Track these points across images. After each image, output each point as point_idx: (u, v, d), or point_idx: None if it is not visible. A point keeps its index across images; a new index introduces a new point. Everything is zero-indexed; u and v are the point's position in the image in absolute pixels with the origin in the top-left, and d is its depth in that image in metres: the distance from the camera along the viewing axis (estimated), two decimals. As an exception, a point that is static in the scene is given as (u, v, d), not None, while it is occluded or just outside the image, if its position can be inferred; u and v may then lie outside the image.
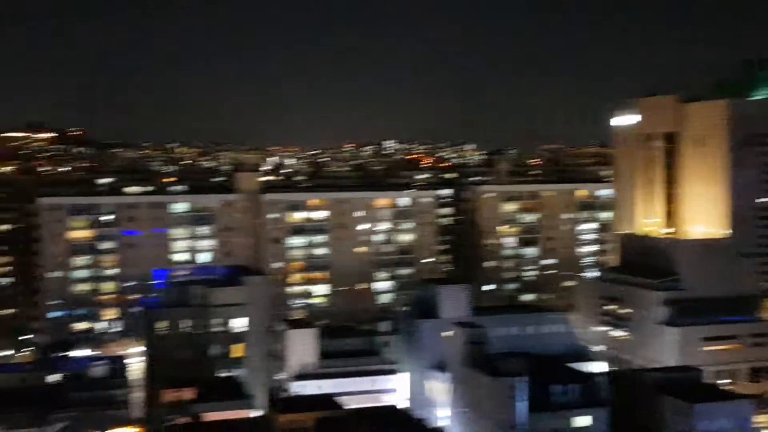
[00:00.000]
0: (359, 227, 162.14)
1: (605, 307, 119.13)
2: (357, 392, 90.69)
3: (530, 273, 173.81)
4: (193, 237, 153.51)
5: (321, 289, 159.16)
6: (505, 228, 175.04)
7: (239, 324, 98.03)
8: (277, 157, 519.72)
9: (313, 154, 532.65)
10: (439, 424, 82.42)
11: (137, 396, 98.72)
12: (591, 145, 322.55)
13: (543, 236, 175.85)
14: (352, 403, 77.84)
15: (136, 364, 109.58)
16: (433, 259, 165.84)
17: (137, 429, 71.24)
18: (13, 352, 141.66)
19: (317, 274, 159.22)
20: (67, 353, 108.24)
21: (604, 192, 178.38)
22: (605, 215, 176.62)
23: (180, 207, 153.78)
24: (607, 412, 72.57)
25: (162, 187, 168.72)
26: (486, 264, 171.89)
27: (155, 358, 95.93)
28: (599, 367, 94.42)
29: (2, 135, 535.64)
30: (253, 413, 76.94)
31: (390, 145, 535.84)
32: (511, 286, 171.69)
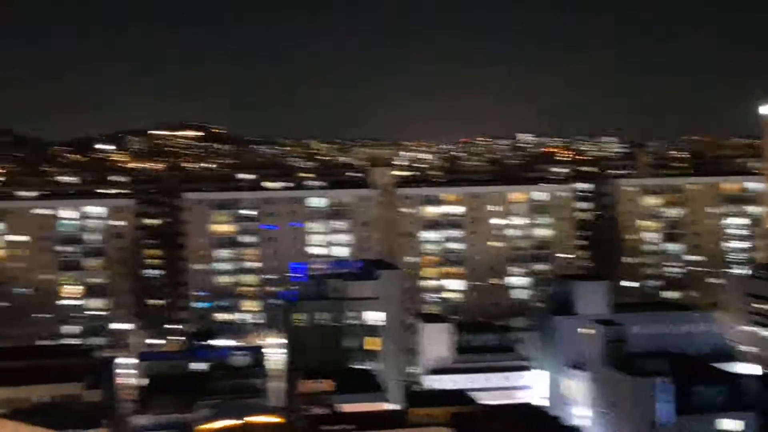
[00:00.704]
0: (494, 222, 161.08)
1: (755, 306, 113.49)
2: (491, 388, 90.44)
3: (673, 269, 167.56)
4: (330, 231, 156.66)
5: (455, 284, 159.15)
6: (646, 223, 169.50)
7: (374, 317, 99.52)
8: (411, 152, 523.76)
9: (447, 149, 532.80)
10: (577, 423, 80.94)
11: (276, 386, 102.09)
12: (739, 135, 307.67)
13: (687, 231, 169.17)
14: (485, 399, 77.66)
15: (274, 354, 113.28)
16: (571, 255, 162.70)
17: (276, 418, 73.57)
18: (163, 340, 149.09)
19: (451, 269, 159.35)
20: (210, 342, 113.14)
21: (754, 185, 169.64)
22: (755, 209, 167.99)
23: (317, 202, 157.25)
24: (756, 416, 69.16)
25: (300, 183, 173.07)
26: (626, 260, 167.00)
27: (293, 350, 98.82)
28: (748, 368, 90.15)
29: (151, 133, 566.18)
30: (388, 406, 78.02)
31: (526, 138, 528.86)
32: (653, 283, 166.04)
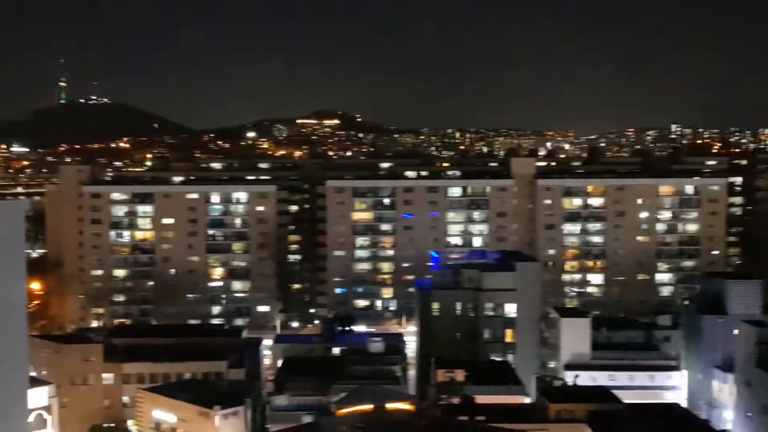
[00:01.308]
0: (639, 215, 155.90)
1: None
2: (633, 387, 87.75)
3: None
4: (467, 221, 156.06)
5: (596, 278, 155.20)
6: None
7: (511, 309, 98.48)
8: (552, 143, 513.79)
9: (591, 139, 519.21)
10: (724, 427, 77.41)
11: (410, 373, 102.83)
12: None
13: None
14: (627, 398, 75.40)
15: (409, 342, 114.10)
16: (721, 252, 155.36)
17: (411, 405, 74.07)
18: (301, 324, 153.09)
19: (592, 263, 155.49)
20: (348, 328, 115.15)
21: None
22: None
23: (455, 191, 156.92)
24: None
25: (438, 172, 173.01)
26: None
27: (428, 338, 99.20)
28: None
29: (296, 122, 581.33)
30: (524, 399, 77.09)
31: (676, 129, 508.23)
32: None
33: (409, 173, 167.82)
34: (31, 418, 70.80)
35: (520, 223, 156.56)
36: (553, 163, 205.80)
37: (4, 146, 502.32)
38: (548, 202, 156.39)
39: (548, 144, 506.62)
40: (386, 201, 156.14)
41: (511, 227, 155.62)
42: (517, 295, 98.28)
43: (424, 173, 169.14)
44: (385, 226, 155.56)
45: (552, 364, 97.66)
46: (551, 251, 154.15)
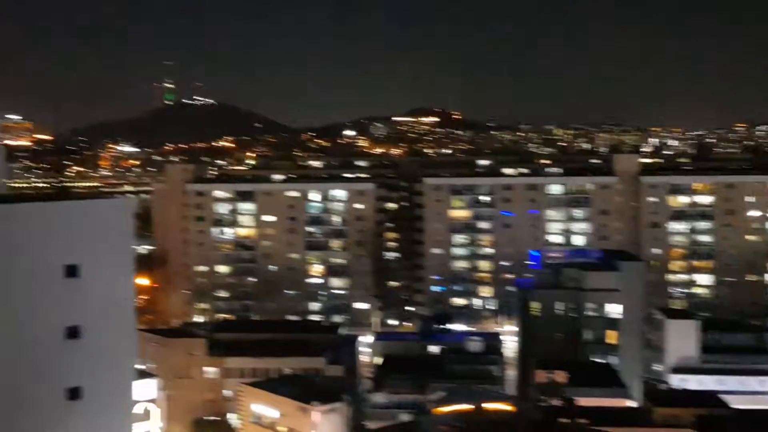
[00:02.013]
0: (750, 213, 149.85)
1: None
2: (743, 392, 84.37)
3: None
4: (568, 219, 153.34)
5: (704, 279, 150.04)
6: None
7: (613, 310, 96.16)
8: (657, 139, 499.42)
9: (698, 135, 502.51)
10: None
11: (509, 374, 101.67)
12: None
13: None
14: (736, 403, 72.55)
15: (508, 342, 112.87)
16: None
17: (510, 406, 73.19)
18: (399, 322, 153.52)
19: (700, 263, 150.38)
20: (446, 326, 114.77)
21: None
22: None
23: (555, 189, 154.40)
24: None
25: (538, 169, 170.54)
26: None
27: (527, 338, 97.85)
28: None
29: (394, 119, 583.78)
30: (628, 403, 75.12)
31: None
32: None
33: (508, 171, 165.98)
34: (139, 410, 73.21)
35: (623, 222, 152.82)
36: (659, 160, 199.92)
37: (115, 146, 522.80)
38: (653, 200, 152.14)
39: (653, 140, 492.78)
40: (485, 199, 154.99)
41: (613, 226, 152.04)
42: (621, 295, 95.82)
43: (523, 170, 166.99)
44: (483, 224, 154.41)
45: (657, 367, 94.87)
46: (656, 250, 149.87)
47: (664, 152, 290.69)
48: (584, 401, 70.35)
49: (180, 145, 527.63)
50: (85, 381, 46.98)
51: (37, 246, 45.31)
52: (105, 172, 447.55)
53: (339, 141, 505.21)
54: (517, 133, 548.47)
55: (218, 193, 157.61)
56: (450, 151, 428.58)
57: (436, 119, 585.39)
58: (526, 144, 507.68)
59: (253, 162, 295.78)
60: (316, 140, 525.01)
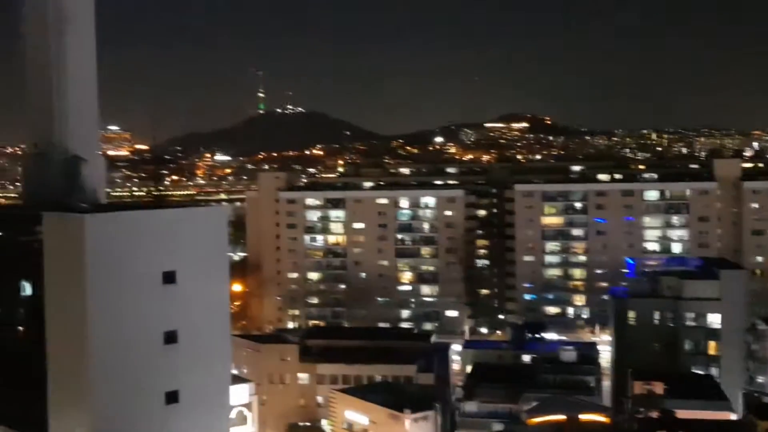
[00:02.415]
0: None
1: None
2: None
3: None
4: (665, 226, 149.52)
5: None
6: None
7: (714, 320, 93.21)
8: (760, 143, 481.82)
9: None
10: None
11: (605, 384, 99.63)
12: None
13: None
14: None
15: (603, 352, 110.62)
16: None
17: (606, 418, 71.73)
18: (490, 330, 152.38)
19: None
20: (539, 335, 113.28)
21: None
22: None
23: (652, 195, 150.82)
24: None
25: (634, 175, 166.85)
26: None
27: (623, 348, 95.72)
28: None
29: (485, 125, 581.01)
30: (730, 416, 72.66)
31: None
32: None
33: (602, 176, 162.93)
34: (234, 414, 74.74)
35: (723, 229, 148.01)
36: (761, 164, 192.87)
37: (209, 155, 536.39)
38: (756, 206, 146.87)
39: (755, 144, 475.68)
40: (578, 205, 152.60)
41: (713, 233, 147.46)
42: (722, 304, 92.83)
43: (618, 176, 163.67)
44: (576, 231, 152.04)
45: (761, 379, 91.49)
46: (759, 258, 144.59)
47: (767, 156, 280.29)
48: (683, 413, 68.42)
49: (272, 154, 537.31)
50: (182, 385, 48.34)
51: (136, 253, 46.89)
52: (200, 181, 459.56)
53: (429, 148, 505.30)
54: (612, 138, 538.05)
55: (309, 201, 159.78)
56: (541, 157, 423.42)
57: (527, 125, 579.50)
58: (621, 149, 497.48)
59: (342, 169, 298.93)
60: (405, 147, 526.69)
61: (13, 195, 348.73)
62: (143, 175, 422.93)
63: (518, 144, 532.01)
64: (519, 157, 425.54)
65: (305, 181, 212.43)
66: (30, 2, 57.13)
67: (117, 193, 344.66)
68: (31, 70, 57.36)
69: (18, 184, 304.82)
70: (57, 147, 55.73)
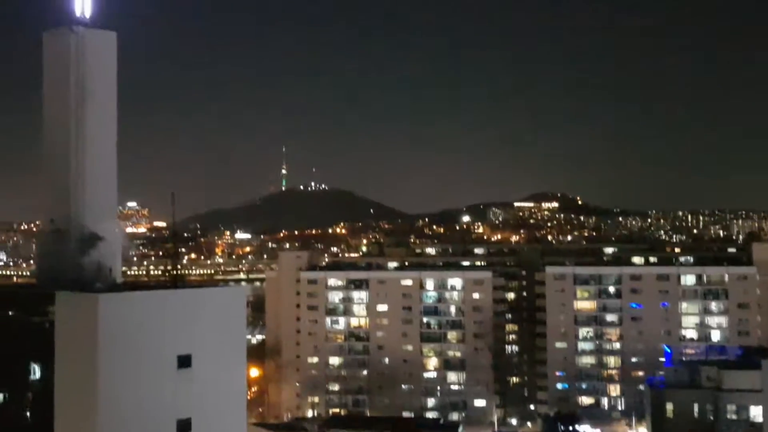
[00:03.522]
0: None
1: None
2: None
3: None
4: (703, 312, 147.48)
5: None
6: None
7: (757, 412, 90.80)
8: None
9: None
10: None
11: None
12: None
13: None
14: None
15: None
16: None
17: None
18: (520, 421, 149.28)
19: None
20: (572, 428, 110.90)
21: None
22: None
23: (688, 279, 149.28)
24: None
25: (669, 258, 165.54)
26: None
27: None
28: None
29: (514, 205, 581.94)
30: None
31: None
32: None
33: (636, 259, 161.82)
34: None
35: (764, 316, 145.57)
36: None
37: (229, 232, 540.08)
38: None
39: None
40: (611, 289, 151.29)
41: (754, 320, 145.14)
42: (764, 396, 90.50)
43: (653, 259, 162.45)
44: (610, 317, 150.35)
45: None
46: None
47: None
48: None
49: (294, 232, 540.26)
50: (195, 476, 47.48)
51: (151, 335, 46.73)
52: (219, 259, 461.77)
53: (455, 227, 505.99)
54: (646, 220, 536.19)
55: (331, 281, 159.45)
56: (573, 238, 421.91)
57: (558, 204, 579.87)
58: (655, 231, 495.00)
59: (366, 249, 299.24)
60: (431, 226, 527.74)
61: (27, 274, 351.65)
62: (161, 253, 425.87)
63: (548, 224, 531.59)
64: (549, 237, 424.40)
65: (327, 260, 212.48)
66: (50, 75, 58.53)
67: (133, 272, 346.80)
68: (50, 143, 58.42)
69: (33, 262, 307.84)
70: (74, 224, 56.27)
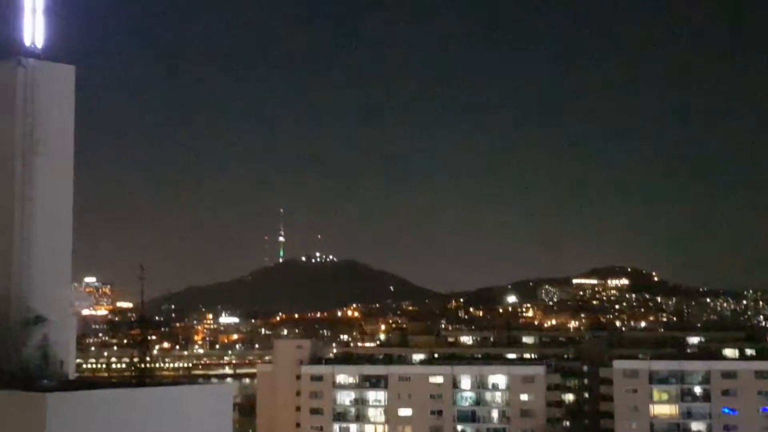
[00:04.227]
0: None
1: None
2: None
3: None
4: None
5: None
6: None
7: None
8: None
9: None
10: None
11: None
12: None
13: None
14: None
15: None
16: None
17: None
18: None
19: None
20: None
21: None
22: None
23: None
24: None
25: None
26: None
27: None
28: None
29: (570, 282, 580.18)
30: None
31: None
32: None
33: (729, 351, 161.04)
34: None
35: None
36: None
37: (211, 315, 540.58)
38: None
39: None
40: (697, 390, 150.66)
41: None
42: None
43: (750, 351, 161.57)
44: (696, 425, 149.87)
45: None
46: None
47: None
48: None
49: (293, 315, 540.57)
50: None
51: (111, 445, 46.56)
52: (199, 350, 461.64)
53: (498, 310, 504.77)
54: (740, 301, 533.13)
55: (340, 378, 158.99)
56: (647, 324, 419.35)
57: (627, 281, 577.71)
58: (752, 315, 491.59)
59: (385, 337, 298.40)
60: (467, 309, 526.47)
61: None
62: (125, 341, 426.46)
63: (616, 306, 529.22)
64: (618, 323, 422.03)
65: (336, 351, 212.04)
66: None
67: (91, 365, 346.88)
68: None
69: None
70: (15, 302, 56.51)
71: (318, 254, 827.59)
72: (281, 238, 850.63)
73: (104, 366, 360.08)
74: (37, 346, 56.12)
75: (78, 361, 62.26)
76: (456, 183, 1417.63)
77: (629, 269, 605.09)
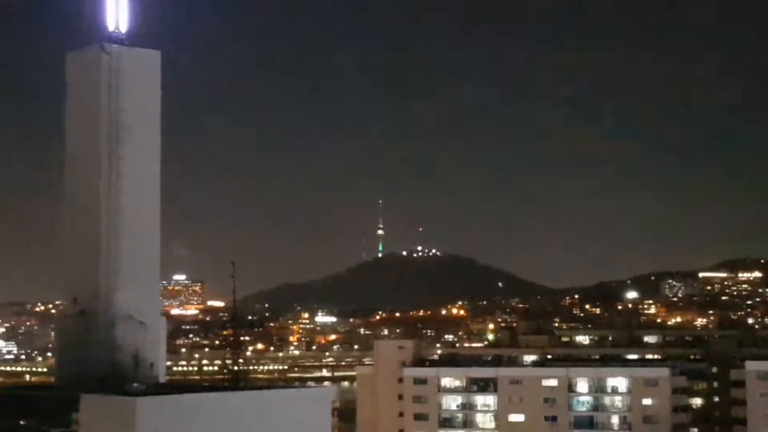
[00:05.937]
0: None
1: None
2: None
3: None
4: None
5: None
6: None
7: None
8: None
9: None
10: None
11: None
12: None
13: None
14: None
15: None
16: None
17: None
18: None
19: None
20: None
21: None
22: None
23: None
24: None
25: None
26: None
27: None
28: None
29: (696, 275, 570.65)
30: None
31: None
32: None
33: None
34: None
35: None
36: None
37: (308, 315, 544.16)
38: None
39: None
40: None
41: None
42: None
43: None
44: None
45: None
46: None
47: None
48: None
49: (394, 314, 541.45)
50: None
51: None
52: (294, 351, 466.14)
53: (617, 307, 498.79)
54: None
55: (446, 381, 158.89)
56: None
57: (762, 275, 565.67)
58: None
59: (494, 337, 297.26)
60: (583, 306, 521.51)
61: (44, 370, 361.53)
62: (217, 342, 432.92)
63: (748, 302, 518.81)
64: (750, 321, 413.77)
65: (440, 352, 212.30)
66: (75, 107, 60.32)
67: (181, 368, 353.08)
68: (73, 198, 60.00)
69: (51, 354, 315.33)
70: (103, 304, 57.26)
71: (419, 248, 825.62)
72: (380, 231, 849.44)
73: (195, 369, 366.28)
74: (125, 348, 56.86)
75: (168, 363, 63.07)
76: (567, 162, 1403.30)
77: (762, 261, 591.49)
